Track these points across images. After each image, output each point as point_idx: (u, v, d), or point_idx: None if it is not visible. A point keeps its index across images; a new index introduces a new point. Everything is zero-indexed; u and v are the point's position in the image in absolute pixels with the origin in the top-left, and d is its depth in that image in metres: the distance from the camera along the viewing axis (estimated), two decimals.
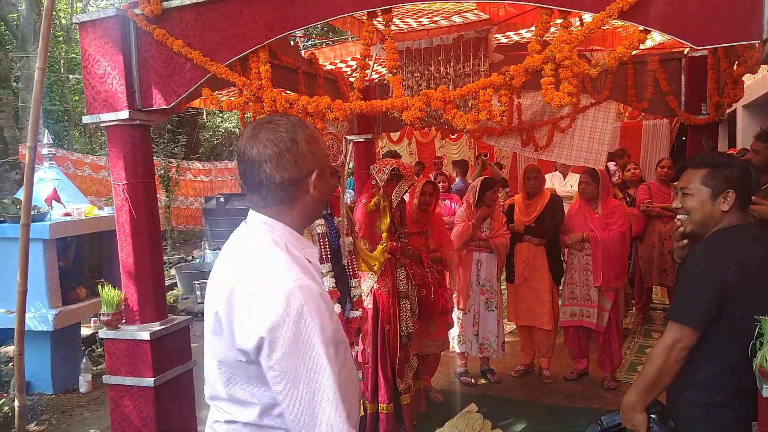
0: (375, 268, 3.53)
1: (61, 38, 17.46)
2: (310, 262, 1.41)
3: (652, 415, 1.93)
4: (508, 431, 3.85)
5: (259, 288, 1.28)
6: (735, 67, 3.07)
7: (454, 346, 4.71)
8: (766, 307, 1.78)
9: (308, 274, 1.34)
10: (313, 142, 1.38)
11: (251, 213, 1.44)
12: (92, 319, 6.00)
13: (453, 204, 5.74)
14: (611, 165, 6.94)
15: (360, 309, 3.22)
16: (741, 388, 1.86)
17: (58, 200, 5.18)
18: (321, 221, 3.02)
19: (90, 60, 2.83)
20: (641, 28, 1.99)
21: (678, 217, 2.07)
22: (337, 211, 3.21)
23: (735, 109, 9.12)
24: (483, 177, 4.80)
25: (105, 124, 2.85)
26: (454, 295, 4.56)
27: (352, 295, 3.20)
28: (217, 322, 1.34)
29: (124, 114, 2.77)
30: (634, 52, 3.25)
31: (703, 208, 1.94)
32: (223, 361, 1.35)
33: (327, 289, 2.96)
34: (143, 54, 2.81)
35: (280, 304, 1.24)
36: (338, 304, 3.03)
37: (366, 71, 2.74)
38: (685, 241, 2.05)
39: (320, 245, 2.98)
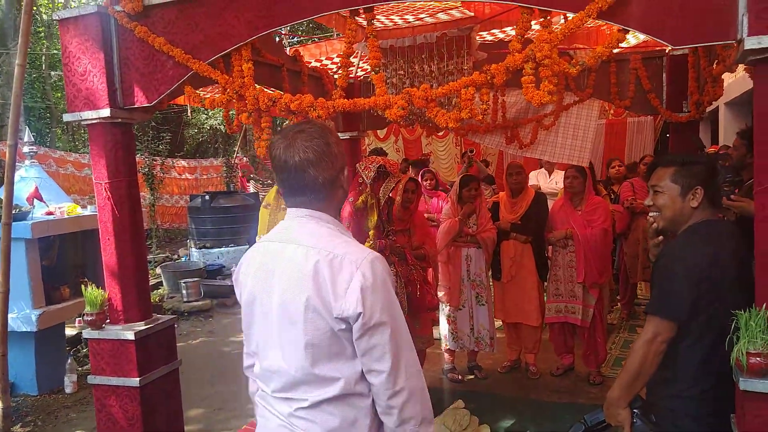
0: None
1: (42, 34, 17.25)
2: None
3: (634, 410, 1.96)
4: (495, 427, 3.88)
5: (344, 262, 1.44)
6: (714, 65, 3.11)
7: (446, 343, 4.73)
8: (740, 300, 1.82)
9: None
10: (339, 144, 1.56)
11: (295, 210, 1.56)
12: (77, 319, 5.95)
13: (440, 202, 5.77)
14: None
15: None
16: (718, 380, 1.90)
17: (40, 199, 5.12)
18: None
19: (71, 57, 2.80)
20: (620, 27, 2.01)
21: (650, 214, 2.13)
22: None
23: (717, 107, 9.23)
24: (463, 175, 4.84)
25: (86, 122, 2.83)
26: (441, 293, 4.59)
27: None
28: (306, 306, 1.44)
29: (106, 112, 2.75)
30: (616, 51, 3.28)
31: (673, 205, 2.00)
32: (311, 342, 1.45)
33: None
34: (124, 51, 2.78)
35: (368, 271, 1.42)
36: None
37: (349, 69, 2.74)
38: (660, 237, 2.09)
39: None
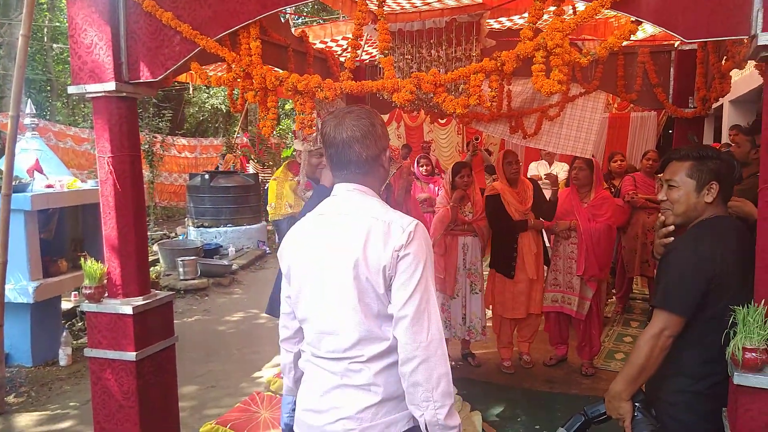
0: None
1: (45, 6, 17.07)
2: None
3: (636, 404, 1.96)
4: (486, 414, 3.91)
5: (392, 226, 1.58)
6: (723, 62, 3.10)
7: None
8: (746, 297, 1.82)
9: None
10: (383, 126, 1.71)
11: (343, 185, 1.71)
12: (73, 293, 5.96)
13: (437, 188, 5.77)
14: None
15: None
16: (723, 377, 1.90)
17: (41, 171, 5.11)
18: (310, 194, 3.05)
19: (77, 29, 2.77)
20: (633, 18, 2.00)
21: (662, 209, 2.11)
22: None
23: (722, 104, 9.20)
24: (455, 162, 4.83)
25: (91, 95, 2.80)
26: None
27: None
28: (356, 269, 1.58)
29: (111, 86, 2.72)
30: (625, 43, 3.26)
31: (687, 200, 1.99)
32: (361, 302, 1.59)
33: None
34: (132, 25, 2.76)
35: (413, 232, 1.57)
36: None
37: (357, 51, 2.72)
38: (669, 235, 2.07)
39: None
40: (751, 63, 2.43)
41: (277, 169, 13.01)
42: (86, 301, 2.90)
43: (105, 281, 2.91)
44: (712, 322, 1.88)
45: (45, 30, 17.10)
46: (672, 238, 2.07)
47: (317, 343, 1.68)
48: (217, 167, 12.08)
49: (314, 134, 2.92)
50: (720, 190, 1.96)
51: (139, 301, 2.87)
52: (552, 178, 4.87)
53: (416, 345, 1.53)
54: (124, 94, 2.79)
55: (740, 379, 1.78)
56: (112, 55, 2.72)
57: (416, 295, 1.54)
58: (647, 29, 4.13)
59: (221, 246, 9.62)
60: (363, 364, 1.61)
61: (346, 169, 1.68)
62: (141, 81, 2.77)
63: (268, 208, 3.09)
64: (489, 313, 4.90)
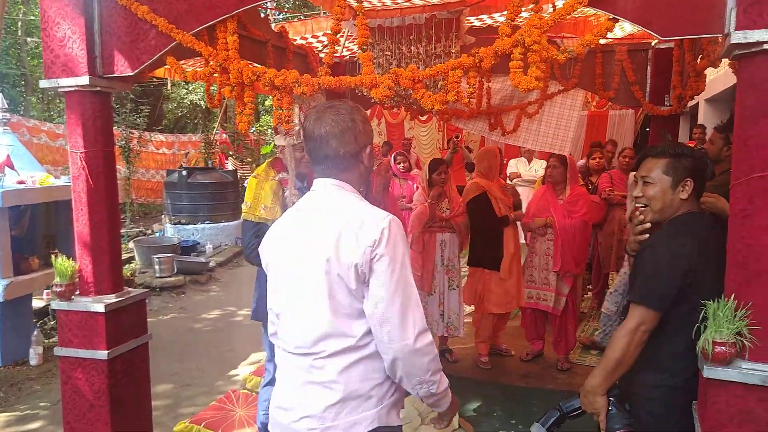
0: None
1: None
2: None
3: (610, 398, 1.97)
4: (463, 409, 3.92)
5: (364, 221, 1.57)
6: (698, 60, 3.14)
7: None
8: (720, 292, 1.85)
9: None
10: (365, 123, 1.69)
11: (320, 180, 1.71)
12: (45, 291, 5.84)
13: (415, 185, 5.78)
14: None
15: None
16: (696, 370, 1.92)
17: (12, 167, 4.99)
18: (296, 192, 3.01)
19: (50, 22, 2.71)
20: (610, 16, 2.01)
21: (637, 206, 2.12)
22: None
23: (698, 103, 9.36)
24: (432, 159, 4.84)
25: (64, 90, 2.74)
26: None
27: None
28: (328, 265, 1.57)
29: (84, 80, 2.67)
30: (603, 41, 3.28)
31: (663, 196, 2.01)
32: (330, 299, 1.58)
33: None
34: (106, 19, 2.70)
35: (386, 228, 1.55)
36: None
37: (336, 47, 2.70)
38: (645, 231, 2.09)
39: None
40: (726, 61, 2.47)
41: (257, 165, 12.87)
42: (57, 299, 2.84)
43: (76, 279, 2.86)
44: (686, 317, 1.90)
45: (19, 23, 16.74)
46: (647, 235, 2.10)
47: (288, 338, 1.69)
48: (181, 165, 11.91)
49: (297, 128, 2.89)
50: (694, 187, 1.99)
51: (111, 298, 2.81)
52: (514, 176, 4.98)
53: (403, 345, 1.54)
54: (98, 88, 2.73)
55: (710, 372, 1.81)
56: (86, 48, 2.66)
57: (398, 294, 1.54)
58: (626, 28, 4.18)
59: (198, 243, 9.51)
60: (325, 360, 1.60)
61: (324, 164, 1.68)
62: (115, 75, 2.72)
63: (243, 206, 3.03)
64: (467, 309, 4.93)
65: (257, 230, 2.96)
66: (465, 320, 4.87)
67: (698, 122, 9.07)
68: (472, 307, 4.86)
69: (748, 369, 1.80)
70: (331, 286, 1.58)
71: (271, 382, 3.14)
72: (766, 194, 1.75)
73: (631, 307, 1.96)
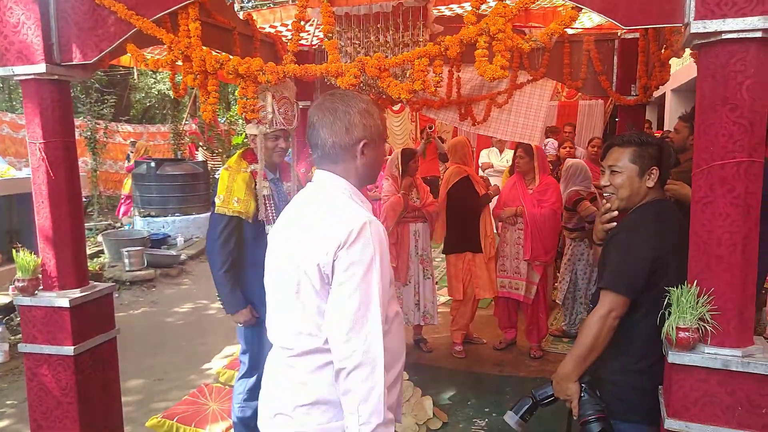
0: None
1: None
2: None
3: (583, 384, 2.00)
4: (437, 398, 3.95)
5: (337, 220, 1.49)
6: (663, 50, 3.18)
7: None
8: (682, 279, 1.88)
9: (374, 216, 1.55)
10: (365, 115, 1.58)
11: (317, 171, 1.65)
12: (10, 286, 5.69)
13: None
14: (550, 141, 7.13)
15: None
16: (661, 355, 1.96)
17: None
18: (266, 184, 2.97)
19: (2, 7, 2.60)
20: (573, 5, 2.02)
21: (605, 194, 2.16)
22: (285, 175, 3.15)
23: (664, 93, 9.52)
24: (402, 148, 4.87)
25: (19, 78, 2.65)
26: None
27: None
28: (298, 260, 1.53)
29: (41, 68, 2.58)
30: (571, 31, 3.29)
31: (631, 184, 2.05)
32: (298, 298, 1.54)
33: None
34: (62, 4, 2.61)
35: (352, 228, 1.45)
36: None
37: (302, 34, 2.66)
38: (613, 218, 2.13)
39: (265, 207, 2.94)
40: (689, 52, 2.50)
41: (227, 156, 12.69)
42: (20, 294, 2.76)
43: (39, 274, 2.78)
44: (652, 303, 1.94)
45: None
46: (614, 224, 2.12)
47: (272, 331, 1.68)
48: (128, 156, 11.69)
49: (270, 116, 2.84)
50: (659, 175, 2.03)
51: (76, 293, 2.75)
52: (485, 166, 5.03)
53: (350, 352, 1.44)
54: (56, 76, 2.65)
55: (674, 357, 1.85)
56: (42, 35, 2.57)
57: (353, 299, 1.44)
58: (594, 18, 4.21)
59: (169, 236, 9.37)
60: (297, 358, 1.57)
61: (315, 153, 1.63)
62: (74, 63, 2.63)
63: (216, 200, 2.96)
64: (441, 298, 4.96)
65: (226, 224, 2.92)
66: (439, 309, 4.89)
67: (665, 112, 9.24)
68: (447, 296, 4.90)
69: (710, 354, 1.84)
70: (300, 281, 1.53)
71: (246, 374, 3.11)
72: (726, 182, 1.79)
73: (602, 294, 1.99)
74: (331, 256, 1.46)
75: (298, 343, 1.57)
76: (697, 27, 1.76)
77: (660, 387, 1.99)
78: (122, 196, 11.27)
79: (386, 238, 1.55)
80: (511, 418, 2.12)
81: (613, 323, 1.94)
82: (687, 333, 1.81)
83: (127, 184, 10.82)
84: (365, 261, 1.45)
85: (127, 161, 11.74)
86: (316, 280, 1.50)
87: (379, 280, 1.47)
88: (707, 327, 1.82)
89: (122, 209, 11.09)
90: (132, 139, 13.36)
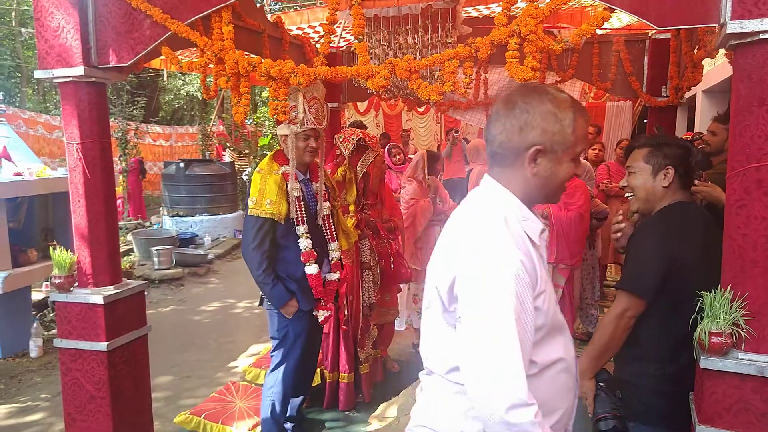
0: (352, 241, 3.54)
1: None
2: (528, 235, 1.35)
3: (600, 383, 2.00)
4: None
5: (472, 240, 1.29)
6: (695, 51, 3.13)
7: (404, 321, 4.75)
8: (709, 283, 1.86)
9: (521, 247, 1.29)
10: (549, 119, 1.31)
11: (485, 174, 1.43)
12: (44, 283, 5.85)
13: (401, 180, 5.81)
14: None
15: (338, 272, 3.22)
16: (685, 361, 1.94)
17: (9, 159, 4.98)
18: (297, 185, 3.01)
19: (43, 12, 2.69)
20: (605, 6, 2.00)
21: (626, 195, 2.19)
22: (315, 176, 3.19)
23: (695, 94, 9.35)
24: (425, 150, 4.87)
25: (58, 80, 2.73)
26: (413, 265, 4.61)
27: (330, 258, 3.20)
28: (433, 274, 1.39)
29: (79, 70, 2.65)
30: (600, 32, 3.26)
31: (645, 184, 2.06)
32: (431, 309, 1.40)
33: (304, 250, 2.97)
34: (100, 8, 2.68)
35: (484, 263, 1.25)
36: (315, 265, 3.05)
37: (332, 36, 2.69)
38: (619, 229, 2.17)
39: (296, 208, 2.99)
40: (723, 52, 2.46)
41: (254, 157, 12.77)
42: (56, 291, 2.84)
43: (75, 271, 2.86)
44: (674, 307, 1.92)
45: (13, 14, 16.63)
46: (619, 234, 2.21)
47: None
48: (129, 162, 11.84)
49: (301, 116, 2.89)
50: (676, 175, 2.02)
51: (110, 290, 2.82)
52: None
53: (489, 412, 1.23)
54: (93, 79, 2.72)
55: (706, 362, 1.82)
56: (80, 39, 2.65)
57: (479, 347, 1.24)
58: (623, 18, 4.16)
59: (197, 235, 9.51)
60: (427, 377, 1.46)
61: (486, 150, 1.41)
62: (110, 66, 2.70)
63: (249, 202, 3.02)
64: None
65: (260, 226, 2.96)
66: None
67: (695, 114, 9.06)
68: None
69: (744, 360, 1.81)
70: (432, 299, 1.39)
71: (276, 367, 3.15)
72: (762, 185, 1.76)
73: (618, 294, 2.01)
74: (449, 281, 1.31)
75: (428, 362, 1.45)
76: (734, 27, 1.74)
77: (691, 393, 1.96)
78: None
79: (525, 272, 1.27)
80: None
81: (628, 323, 1.96)
82: (720, 338, 1.79)
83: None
84: (487, 293, 1.24)
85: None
86: (445, 300, 1.34)
87: (505, 310, 1.23)
88: (741, 332, 1.79)
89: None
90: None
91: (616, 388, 2.00)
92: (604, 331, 1.99)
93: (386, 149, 6.12)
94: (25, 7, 16.56)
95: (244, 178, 11.52)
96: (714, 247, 1.91)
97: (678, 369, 1.97)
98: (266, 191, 2.95)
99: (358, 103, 10.72)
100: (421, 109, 11.81)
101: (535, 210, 1.42)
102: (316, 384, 3.71)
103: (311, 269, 3.03)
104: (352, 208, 3.64)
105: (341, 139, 3.68)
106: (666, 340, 1.97)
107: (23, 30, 16.77)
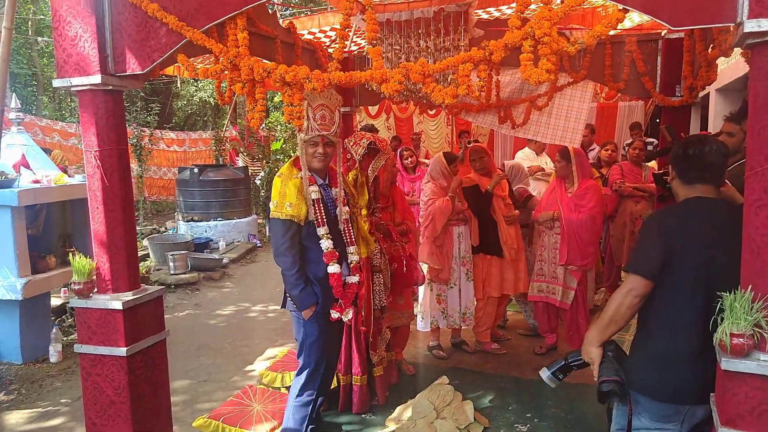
0: (371, 248, 3.56)
1: None
2: None
3: (608, 353, 2.22)
4: (478, 403, 3.93)
5: None
6: (709, 50, 3.11)
7: (433, 322, 4.74)
8: (724, 281, 1.88)
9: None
10: None
11: None
12: (62, 289, 5.92)
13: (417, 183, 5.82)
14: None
15: (357, 275, 3.23)
16: (668, 342, 2.13)
17: (27, 166, 5.05)
18: (315, 188, 3.04)
19: (61, 21, 2.73)
20: (620, 6, 2.00)
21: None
22: (334, 181, 3.20)
23: (708, 93, 9.26)
24: (444, 152, 4.89)
25: (76, 89, 2.77)
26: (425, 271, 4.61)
27: (349, 261, 3.22)
28: None
29: (97, 78, 2.69)
30: (612, 32, 3.25)
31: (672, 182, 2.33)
32: None
33: (326, 250, 2.99)
34: (117, 17, 2.72)
35: None
36: (337, 264, 3.06)
37: (345, 42, 2.70)
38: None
39: (315, 210, 3.01)
40: (737, 51, 2.44)
41: (267, 162, 12.82)
42: (75, 296, 2.88)
43: (94, 277, 2.89)
44: (671, 293, 2.11)
45: (29, 23, 16.86)
46: None
47: None
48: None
49: (305, 123, 2.91)
50: (676, 171, 2.25)
51: (128, 296, 2.85)
52: (534, 170, 5.01)
53: None
54: (110, 87, 2.75)
55: (727, 364, 1.81)
56: (98, 47, 2.68)
57: None
58: (635, 18, 4.14)
59: (211, 240, 9.58)
60: None
61: None
62: (127, 74, 2.74)
63: (270, 205, 3.07)
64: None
65: (287, 228, 2.99)
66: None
67: (709, 113, 8.97)
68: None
69: (765, 361, 1.79)
70: None
71: (301, 371, 3.17)
72: None
73: (626, 275, 2.27)
74: None
75: None
76: (752, 26, 1.73)
77: (712, 395, 1.95)
78: None
79: None
80: (544, 373, 2.44)
81: (632, 301, 2.13)
82: (741, 339, 1.78)
83: None
84: None
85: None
86: None
87: None
88: (763, 333, 1.77)
89: None
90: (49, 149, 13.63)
91: (621, 360, 2.23)
92: (611, 305, 2.19)
93: (398, 152, 6.13)
94: (41, 17, 16.79)
95: (258, 182, 11.59)
96: (725, 239, 2.03)
97: (661, 347, 2.15)
98: (286, 194, 3.00)
99: (369, 107, 10.74)
100: (432, 112, 11.82)
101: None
102: (332, 387, 3.73)
103: (333, 268, 3.05)
104: (364, 211, 3.65)
105: (352, 143, 3.70)
106: (651, 319, 2.18)
107: (39, 39, 17.00)
